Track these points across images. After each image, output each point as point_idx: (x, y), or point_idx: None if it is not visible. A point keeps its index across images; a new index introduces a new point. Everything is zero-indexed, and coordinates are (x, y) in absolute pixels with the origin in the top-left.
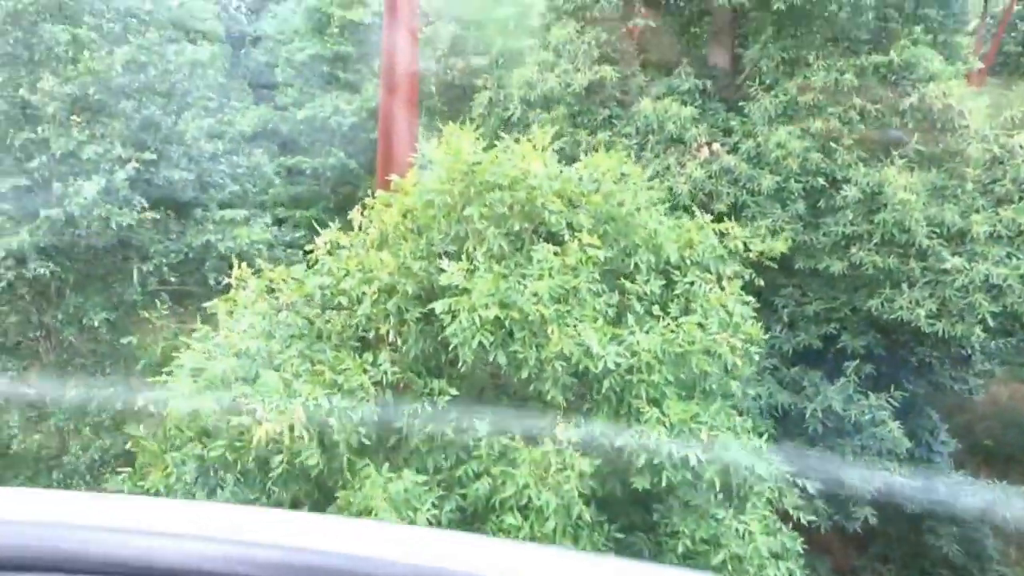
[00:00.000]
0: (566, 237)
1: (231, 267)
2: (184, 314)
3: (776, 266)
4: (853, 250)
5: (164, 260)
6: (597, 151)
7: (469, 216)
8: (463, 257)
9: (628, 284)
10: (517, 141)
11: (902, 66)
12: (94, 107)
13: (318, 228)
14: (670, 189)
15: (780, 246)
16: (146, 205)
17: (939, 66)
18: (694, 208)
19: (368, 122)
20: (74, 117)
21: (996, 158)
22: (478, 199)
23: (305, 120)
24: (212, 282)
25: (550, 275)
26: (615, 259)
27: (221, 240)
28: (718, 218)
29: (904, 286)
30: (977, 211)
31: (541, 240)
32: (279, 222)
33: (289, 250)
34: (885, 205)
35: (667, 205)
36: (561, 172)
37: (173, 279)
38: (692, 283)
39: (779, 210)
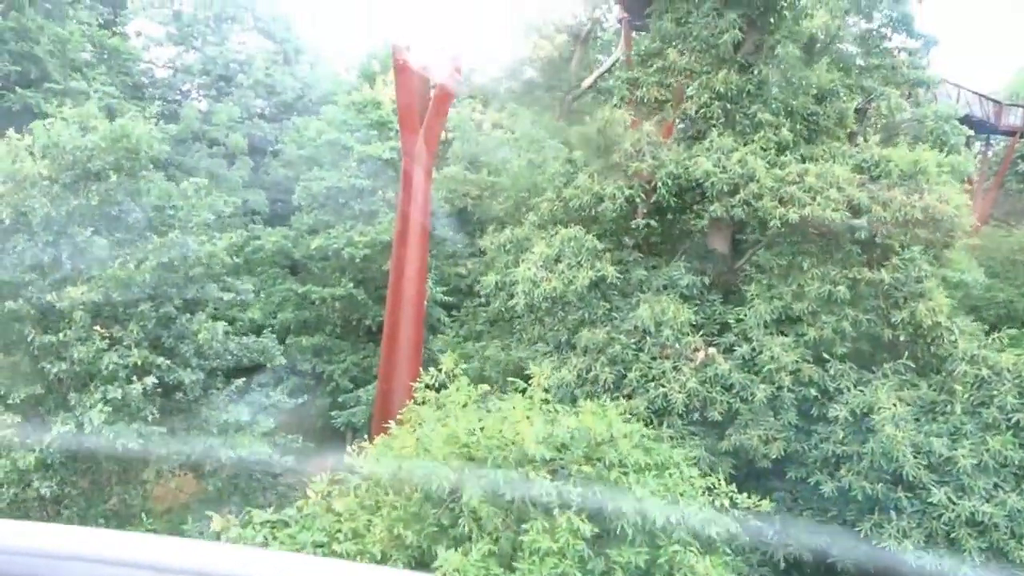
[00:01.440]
0: (555, 510)
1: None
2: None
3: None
4: (843, 471)
5: (165, 466)
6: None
7: (466, 502)
8: (457, 539)
9: (614, 554)
10: (520, 340)
11: (894, 284)
12: (117, 314)
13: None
14: (665, 396)
15: (765, 506)
16: (156, 415)
17: (931, 282)
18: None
19: (380, 254)
20: (97, 328)
21: (984, 380)
22: (474, 482)
23: (318, 249)
24: (210, 488)
25: (541, 559)
26: (603, 522)
27: (222, 447)
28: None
29: (892, 513)
30: (965, 436)
31: (531, 508)
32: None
33: (286, 474)
34: (874, 430)
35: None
36: (551, 435)
37: (172, 483)
38: (677, 552)
39: (772, 419)
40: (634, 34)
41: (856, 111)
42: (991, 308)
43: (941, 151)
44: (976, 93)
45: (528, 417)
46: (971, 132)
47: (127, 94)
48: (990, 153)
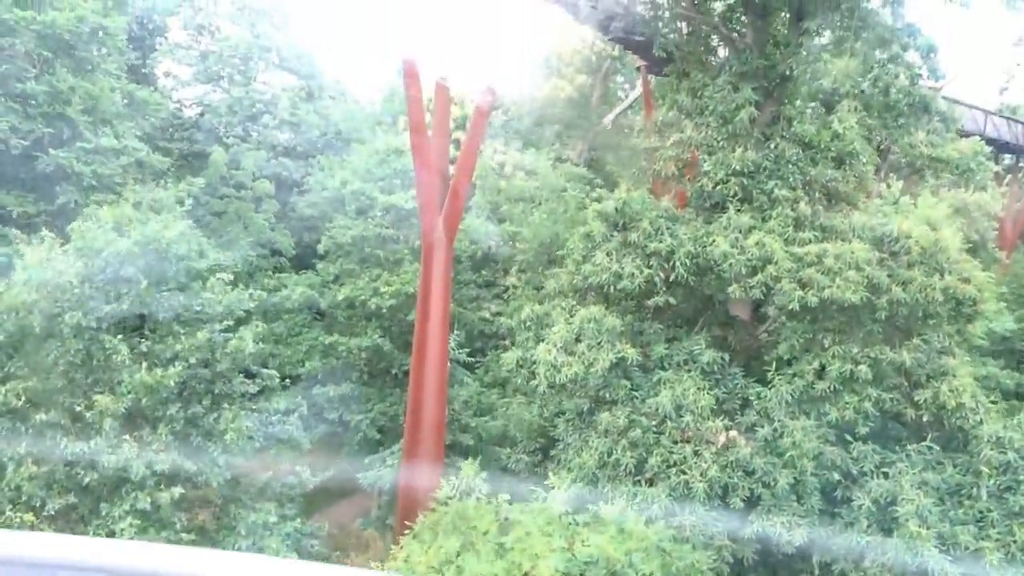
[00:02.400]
0: None
1: None
2: None
3: None
4: (867, 562)
5: None
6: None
7: None
8: None
9: None
10: (542, 415)
11: (915, 363)
12: (146, 415)
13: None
14: (687, 484)
15: None
16: (185, 523)
17: (954, 360)
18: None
19: (405, 304)
20: (127, 437)
21: (1010, 464)
22: None
23: (345, 300)
24: None
25: None
26: None
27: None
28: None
29: None
30: (992, 524)
31: None
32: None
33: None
34: (898, 521)
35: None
36: (570, 561)
37: None
38: None
39: (795, 503)
40: (651, 78)
41: (879, 150)
42: (1022, 339)
43: (967, 189)
44: (1005, 116)
45: (548, 536)
46: (997, 168)
47: (156, 136)
48: (1021, 175)
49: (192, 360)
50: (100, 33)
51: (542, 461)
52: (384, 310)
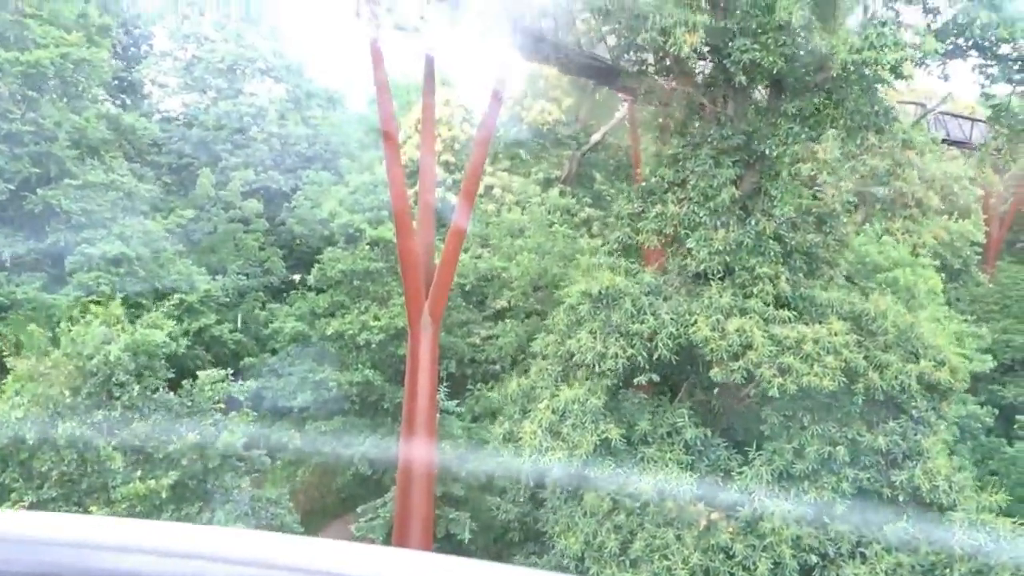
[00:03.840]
0: None
1: None
2: None
3: None
4: None
5: None
6: None
7: None
8: None
9: None
10: None
11: (891, 444)
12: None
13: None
14: (669, 570)
15: None
16: None
17: (930, 440)
18: None
19: (394, 339)
20: None
21: (981, 547)
22: None
23: (335, 334)
24: None
25: None
26: None
27: None
28: None
29: None
30: None
31: None
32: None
33: None
34: None
35: None
36: None
37: None
38: None
39: None
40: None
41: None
42: (1007, 351)
43: (951, 218)
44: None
45: None
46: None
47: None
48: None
49: (184, 461)
50: (85, 66)
51: (531, 511)
52: (374, 345)
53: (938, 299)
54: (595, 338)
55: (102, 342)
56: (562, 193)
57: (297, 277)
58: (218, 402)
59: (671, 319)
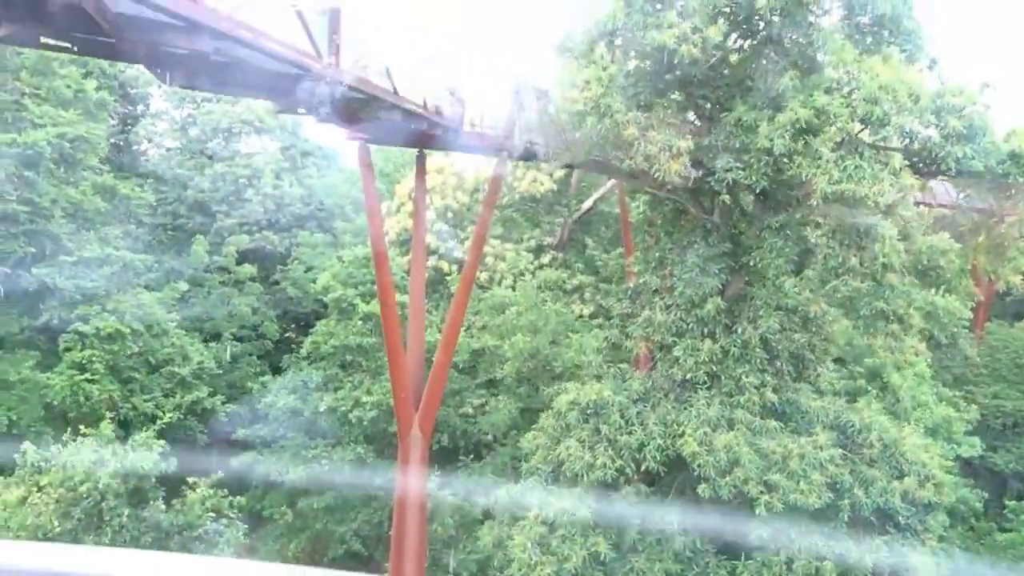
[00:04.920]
0: None
1: None
2: None
3: None
4: None
5: None
6: None
7: None
8: None
9: None
10: None
11: (877, 561)
12: None
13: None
14: None
15: None
16: None
17: (916, 558)
18: None
19: (387, 415)
20: None
21: None
22: None
23: (328, 410)
24: None
25: None
26: None
27: None
28: None
29: None
30: None
31: None
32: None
33: None
34: None
35: None
36: None
37: None
38: None
39: None
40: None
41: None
42: (998, 416)
43: (938, 291)
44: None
45: None
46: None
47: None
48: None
49: None
50: (82, 142)
51: None
52: (366, 422)
53: (924, 383)
54: (584, 447)
55: (92, 466)
56: (554, 259)
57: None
58: (210, 512)
59: (659, 431)
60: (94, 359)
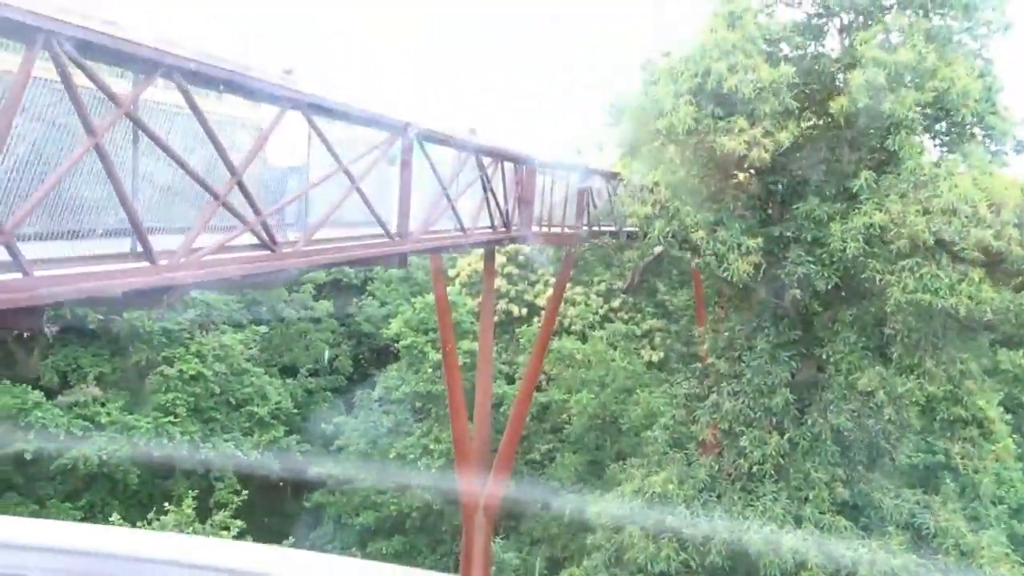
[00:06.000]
0: None
1: None
2: None
3: None
4: None
5: None
6: None
7: None
8: None
9: None
10: None
11: None
12: None
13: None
14: None
15: None
16: None
17: None
18: None
19: (455, 463)
20: None
21: None
22: None
23: (397, 458)
24: None
25: None
26: None
27: None
28: None
29: None
30: None
31: None
32: (363, 545)
33: None
34: None
35: None
36: None
37: None
38: None
39: None
40: None
41: None
42: None
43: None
44: None
45: None
46: None
47: None
48: None
49: None
50: None
51: None
52: (433, 470)
53: (1010, 460)
54: (647, 537)
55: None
56: (624, 303)
57: (365, 367)
58: None
59: (725, 524)
60: (177, 402)
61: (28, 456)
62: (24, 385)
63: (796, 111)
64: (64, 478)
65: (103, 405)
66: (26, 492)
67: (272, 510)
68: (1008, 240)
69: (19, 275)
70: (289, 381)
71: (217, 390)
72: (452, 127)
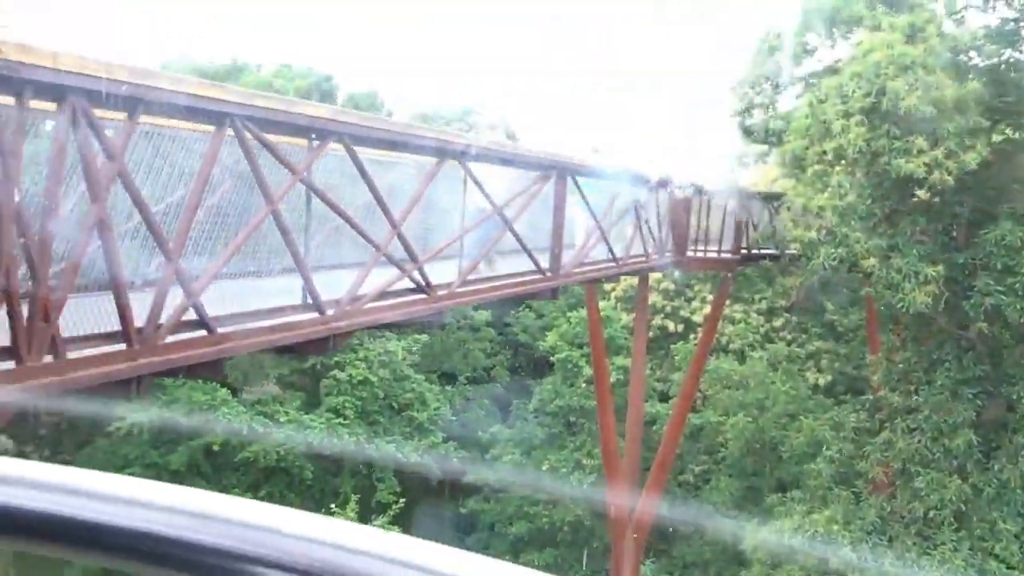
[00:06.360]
0: None
1: None
2: None
3: None
4: None
5: None
6: None
7: None
8: None
9: None
10: None
11: None
12: None
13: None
14: None
15: None
16: None
17: None
18: None
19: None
20: None
21: None
22: None
23: (550, 470)
24: None
25: None
26: None
27: None
28: None
29: None
30: None
31: None
32: (516, 555)
33: None
34: None
35: None
36: None
37: None
38: None
39: None
40: None
41: None
42: None
43: None
44: None
45: None
46: None
47: None
48: None
49: None
50: None
51: None
52: (585, 485)
53: None
54: None
55: None
56: (787, 322)
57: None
58: None
59: (895, 572)
60: (346, 404)
61: (216, 448)
62: (214, 383)
63: (986, 127)
64: (246, 470)
65: (281, 404)
66: (213, 480)
67: (429, 513)
68: None
69: (204, 332)
70: (448, 388)
71: (381, 394)
72: (603, 160)
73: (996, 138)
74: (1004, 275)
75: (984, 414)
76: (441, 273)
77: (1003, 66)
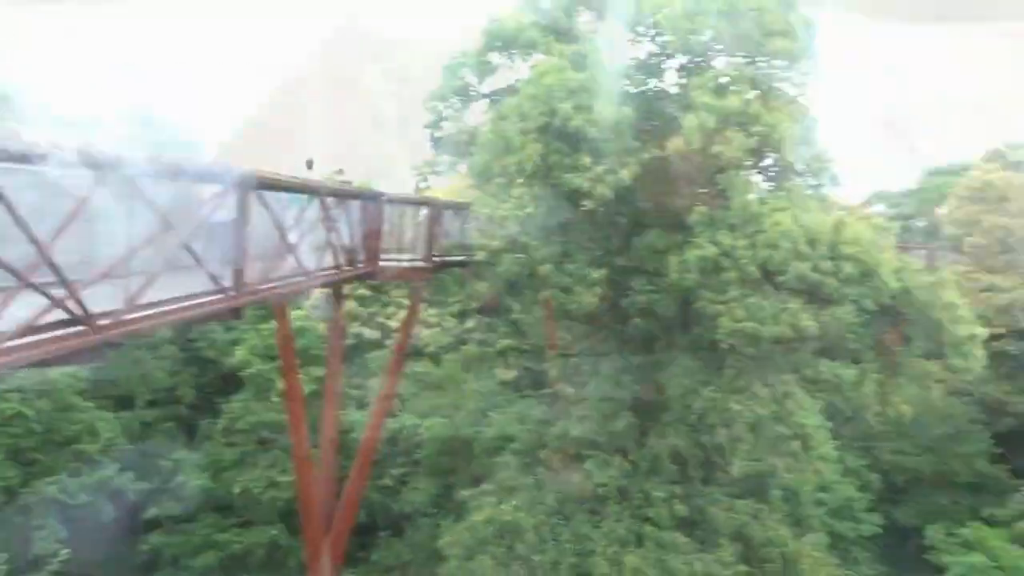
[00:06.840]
0: None
1: None
2: None
3: None
4: None
5: None
6: None
7: None
8: None
9: None
10: None
11: None
12: None
13: None
14: None
15: None
16: None
17: None
18: None
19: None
20: None
21: None
22: None
23: (242, 493)
24: None
25: None
26: None
27: None
28: None
29: None
30: None
31: None
32: None
33: None
34: None
35: None
36: None
37: None
38: None
39: None
40: None
41: None
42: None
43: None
44: None
45: None
46: None
47: None
48: None
49: None
50: None
51: None
52: (280, 503)
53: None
54: (497, 564)
55: None
56: (479, 323)
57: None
58: None
59: (572, 548)
60: None
61: None
62: None
63: (638, 147)
64: None
65: None
66: None
67: (102, 556)
68: (823, 272)
69: None
70: (124, 414)
71: (40, 429)
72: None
73: (646, 156)
74: (654, 276)
75: (640, 398)
76: (104, 299)
77: (649, 93)
